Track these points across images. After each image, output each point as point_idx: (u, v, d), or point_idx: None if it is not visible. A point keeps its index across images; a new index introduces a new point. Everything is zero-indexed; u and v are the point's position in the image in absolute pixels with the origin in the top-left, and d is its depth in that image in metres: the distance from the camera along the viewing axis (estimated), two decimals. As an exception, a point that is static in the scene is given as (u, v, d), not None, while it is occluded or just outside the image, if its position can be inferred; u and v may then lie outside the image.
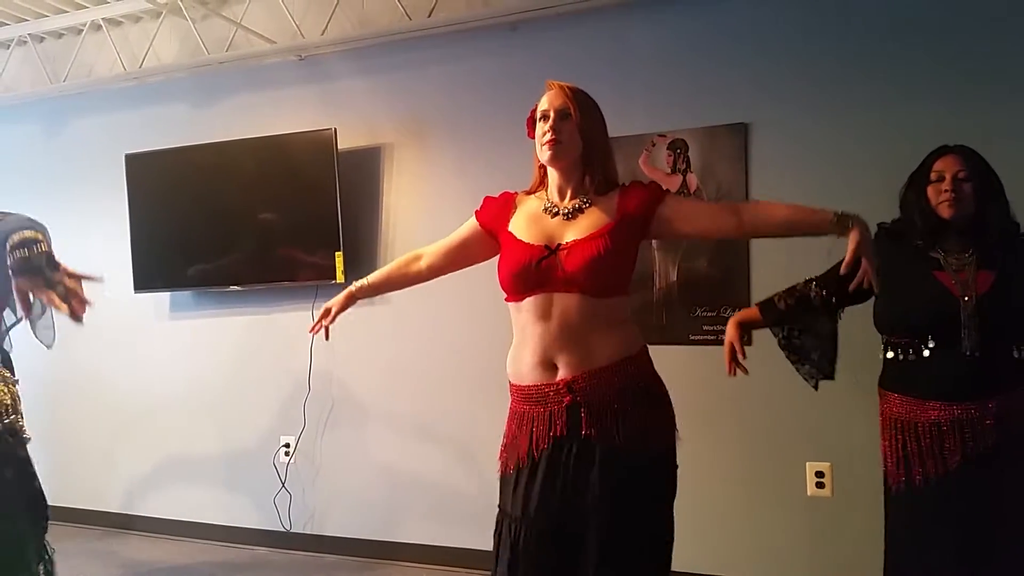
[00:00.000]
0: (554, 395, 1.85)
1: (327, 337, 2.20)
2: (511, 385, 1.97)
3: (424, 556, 3.65)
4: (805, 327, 2.31)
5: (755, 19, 3.21)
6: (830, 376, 2.33)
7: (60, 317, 2.19)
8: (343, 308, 2.20)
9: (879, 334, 2.22)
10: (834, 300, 2.26)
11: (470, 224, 2.09)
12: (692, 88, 3.29)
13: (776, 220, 1.86)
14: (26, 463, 2.64)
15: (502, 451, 1.97)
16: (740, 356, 2.30)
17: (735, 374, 2.31)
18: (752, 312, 2.40)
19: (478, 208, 2.08)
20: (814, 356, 2.31)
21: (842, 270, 1.78)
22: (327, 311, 2.20)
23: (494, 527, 1.95)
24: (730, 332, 2.33)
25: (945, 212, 2.08)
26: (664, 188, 1.96)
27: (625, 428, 1.81)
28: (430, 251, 2.16)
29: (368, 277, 2.21)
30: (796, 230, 1.86)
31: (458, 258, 2.14)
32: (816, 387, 2.35)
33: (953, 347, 2.02)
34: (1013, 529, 1.99)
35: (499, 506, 1.95)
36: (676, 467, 1.92)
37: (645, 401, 1.87)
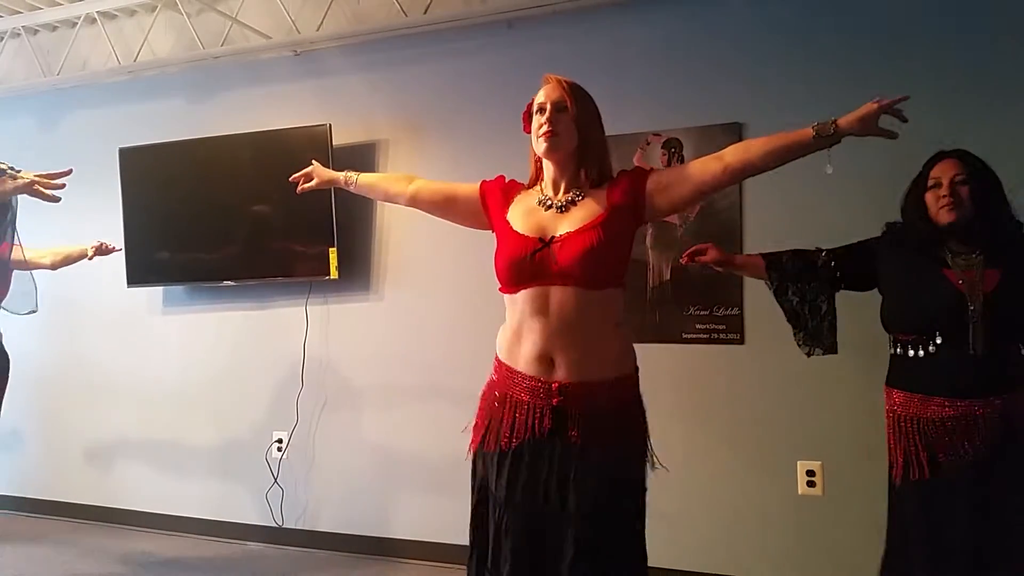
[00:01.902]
0: (545, 392, 1.86)
1: (295, 181, 2.34)
2: (499, 363, 1.97)
3: (416, 552, 3.66)
4: (802, 291, 2.33)
5: (750, 19, 3.22)
6: (831, 350, 2.35)
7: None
8: (322, 183, 2.34)
9: (886, 332, 2.24)
10: (838, 274, 2.30)
11: (471, 188, 2.09)
12: (687, 87, 3.30)
13: (758, 151, 1.85)
14: None
15: (478, 422, 1.98)
16: (694, 258, 2.44)
17: (686, 260, 2.48)
18: (754, 258, 2.46)
19: (488, 180, 2.08)
20: (811, 324, 2.34)
21: (884, 136, 1.81)
22: (313, 174, 2.34)
23: (472, 500, 1.96)
24: (714, 250, 2.43)
25: (944, 218, 2.10)
26: (647, 169, 1.97)
27: (607, 444, 1.83)
28: (423, 184, 2.18)
29: (360, 175, 2.29)
30: (781, 154, 1.84)
31: (443, 207, 2.15)
32: (809, 354, 2.37)
33: (960, 345, 2.04)
34: (997, 524, 2.01)
35: (479, 479, 1.96)
36: (645, 489, 1.93)
37: (628, 421, 1.90)
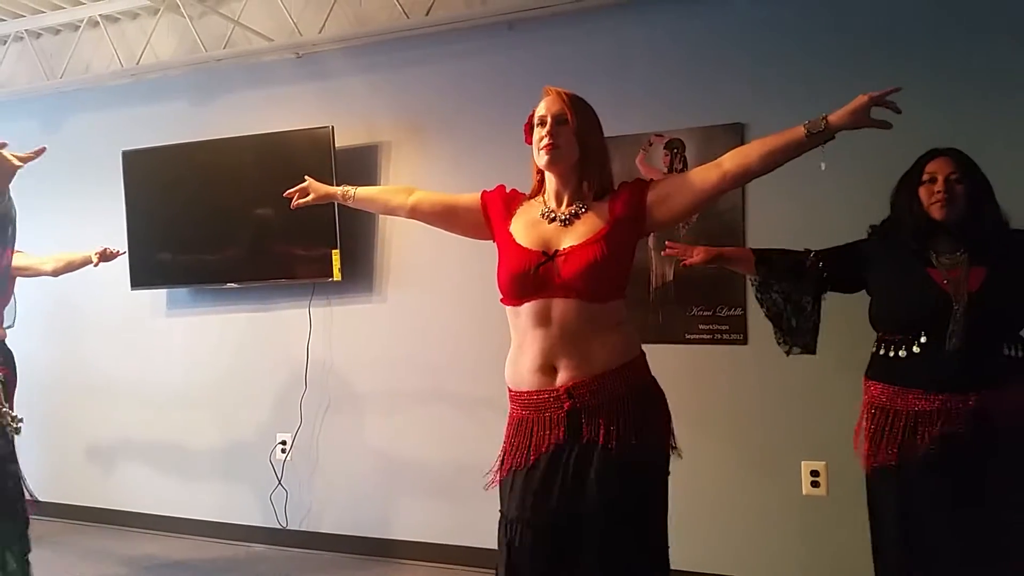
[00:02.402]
0: (554, 401, 1.86)
1: (291, 202, 2.29)
2: (510, 391, 1.97)
3: (420, 553, 3.66)
4: (787, 290, 2.34)
5: (752, 20, 3.22)
6: (810, 350, 2.36)
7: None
8: (319, 199, 2.28)
9: (874, 331, 2.24)
10: (825, 275, 2.31)
11: (471, 198, 2.08)
12: (689, 88, 3.30)
13: (752, 155, 1.85)
14: (6, 460, 2.76)
15: (501, 457, 1.97)
16: (680, 252, 2.44)
17: (670, 250, 2.48)
18: (743, 250, 2.48)
19: (488, 190, 2.07)
20: (792, 322, 2.35)
21: (880, 125, 1.80)
22: (308, 189, 2.28)
23: (498, 536, 1.94)
24: (703, 249, 2.43)
25: (937, 213, 2.11)
26: (647, 180, 1.96)
27: (623, 434, 1.82)
28: (422, 195, 2.16)
29: (358, 189, 2.25)
30: (778, 155, 1.84)
31: (444, 218, 2.14)
32: (788, 353, 2.39)
33: (941, 343, 2.04)
34: (990, 522, 2.01)
35: (500, 510, 1.95)
36: (668, 472, 1.93)
37: (643, 406, 1.88)
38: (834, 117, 1.80)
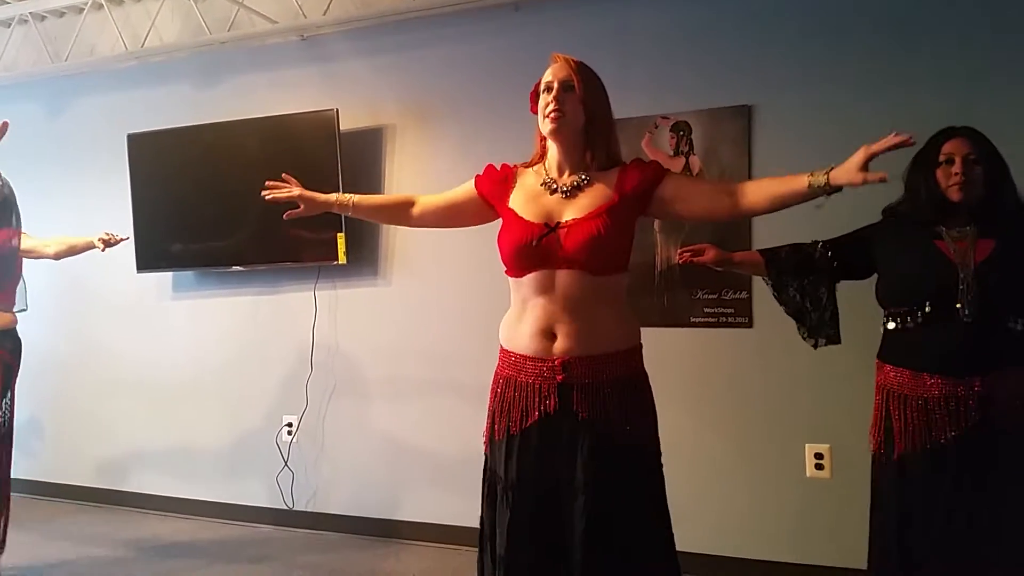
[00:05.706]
0: (548, 371, 1.86)
1: (267, 195, 2.23)
2: (502, 350, 1.98)
3: (426, 534, 3.69)
4: (802, 286, 2.34)
5: (760, 2, 3.19)
6: (835, 340, 2.35)
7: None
8: (312, 210, 2.23)
9: (881, 309, 2.23)
10: (836, 264, 2.30)
11: (467, 188, 2.09)
12: (695, 70, 3.28)
13: (764, 196, 1.84)
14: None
15: (491, 416, 1.98)
16: (687, 256, 2.42)
17: (680, 258, 2.47)
18: (751, 254, 2.46)
19: (479, 174, 2.08)
20: (813, 316, 2.34)
21: (865, 178, 1.71)
22: (300, 200, 2.22)
23: (483, 491, 1.97)
24: (713, 251, 2.40)
25: (955, 195, 2.09)
26: (665, 168, 1.95)
27: (615, 416, 1.84)
28: (424, 201, 2.17)
29: (355, 196, 2.21)
30: (784, 202, 1.83)
31: (449, 217, 2.16)
32: (815, 347, 2.37)
33: (950, 316, 2.03)
34: (999, 509, 2.01)
35: (489, 469, 1.97)
36: (661, 461, 1.94)
37: (633, 395, 1.90)
38: (835, 174, 1.74)
